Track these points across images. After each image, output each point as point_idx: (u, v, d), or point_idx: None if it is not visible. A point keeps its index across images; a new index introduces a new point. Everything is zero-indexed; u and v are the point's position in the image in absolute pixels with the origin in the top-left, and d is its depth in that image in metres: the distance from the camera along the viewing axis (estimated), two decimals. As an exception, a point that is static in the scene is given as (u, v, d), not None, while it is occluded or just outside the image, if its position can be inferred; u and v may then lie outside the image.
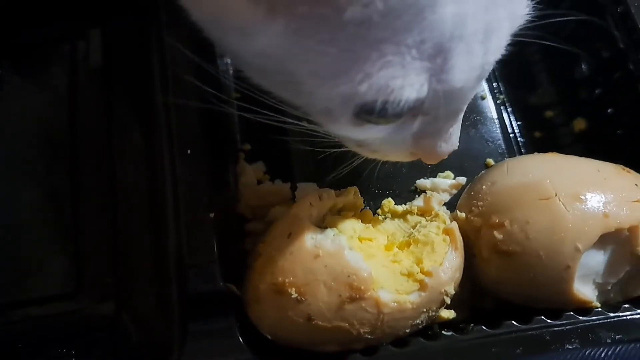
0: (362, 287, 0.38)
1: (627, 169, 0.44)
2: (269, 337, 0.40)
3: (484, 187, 0.44)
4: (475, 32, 0.32)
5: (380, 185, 0.51)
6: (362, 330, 0.38)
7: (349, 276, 0.38)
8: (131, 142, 0.51)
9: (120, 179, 0.50)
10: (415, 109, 0.34)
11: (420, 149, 0.38)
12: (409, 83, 0.31)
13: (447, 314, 0.43)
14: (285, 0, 0.30)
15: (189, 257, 0.41)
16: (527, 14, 0.36)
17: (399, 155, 0.40)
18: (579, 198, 0.40)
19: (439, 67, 0.31)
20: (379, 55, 0.30)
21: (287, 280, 0.38)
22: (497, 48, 0.34)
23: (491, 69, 0.35)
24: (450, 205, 0.49)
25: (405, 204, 0.48)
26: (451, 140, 0.39)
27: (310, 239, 0.40)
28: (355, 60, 0.30)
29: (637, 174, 0.43)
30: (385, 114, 0.32)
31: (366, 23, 0.29)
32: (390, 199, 0.49)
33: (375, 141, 0.38)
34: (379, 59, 0.30)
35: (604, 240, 0.40)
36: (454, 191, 0.50)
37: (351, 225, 0.42)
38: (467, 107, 0.55)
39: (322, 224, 0.43)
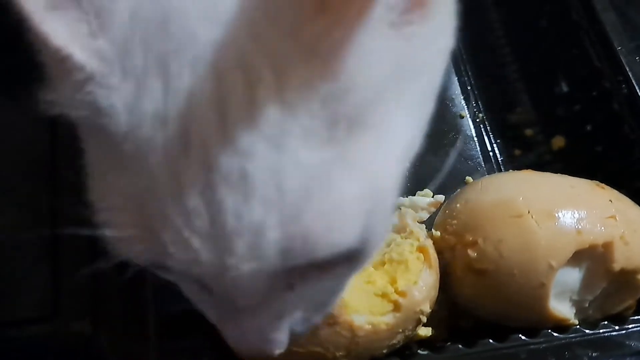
0: (335, 314, 0.37)
1: (602, 184, 0.44)
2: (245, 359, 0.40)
3: (458, 205, 0.44)
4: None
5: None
6: (337, 354, 0.38)
7: None
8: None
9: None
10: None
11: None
12: (123, 246, 0.26)
13: (425, 331, 0.42)
14: None
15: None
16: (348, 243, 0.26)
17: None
18: (552, 215, 0.40)
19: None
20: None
21: None
22: (255, 255, 0.24)
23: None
24: (430, 225, 0.49)
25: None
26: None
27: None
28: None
29: (611, 190, 0.43)
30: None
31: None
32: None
33: None
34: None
35: (579, 257, 0.40)
36: (433, 209, 0.50)
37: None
38: (446, 126, 0.56)
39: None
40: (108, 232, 0.26)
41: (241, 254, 0.23)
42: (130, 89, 0.23)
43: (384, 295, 0.39)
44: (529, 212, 0.40)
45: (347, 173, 0.24)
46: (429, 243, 0.42)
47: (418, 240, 0.42)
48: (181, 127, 0.23)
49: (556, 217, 0.39)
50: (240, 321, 0.28)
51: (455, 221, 0.43)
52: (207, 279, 0.25)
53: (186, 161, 0.23)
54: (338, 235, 0.24)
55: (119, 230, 0.25)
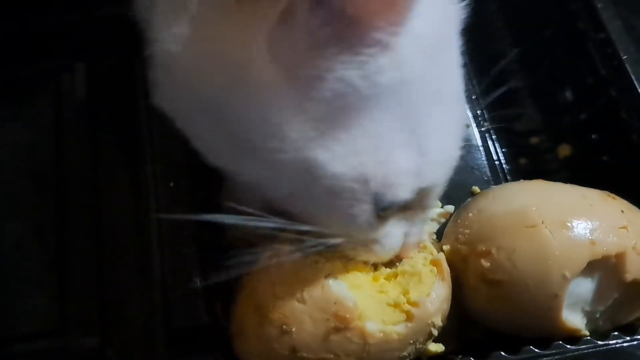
0: (347, 316, 0.37)
1: (613, 195, 0.43)
2: None
3: (470, 214, 0.43)
4: (446, 129, 0.34)
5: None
6: None
7: (334, 304, 0.38)
8: (117, 176, 0.51)
9: (105, 213, 0.49)
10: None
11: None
12: (402, 183, 0.33)
13: (436, 347, 0.42)
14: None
15: (173, 291, 0.40)
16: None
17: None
18: (566, 225, 0.39)
19: (422, 167, 0.33)
20: (378, 150, 0.32)
21: (270, 311, 0.38)
22: (459, 142, 0.37)
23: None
24: (440, 235, 0.48)
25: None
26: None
27: (295, 269, 0.39)
28: (358, 151, 0.32)
29: (622, 201, 0.43)
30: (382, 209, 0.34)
31: (371, 118, 0.31)
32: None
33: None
34: (379, 155, 0.32)
35: (592, 268, 0.39)
36: (443, 220, 0.50)
37: (338, 256, 0.42)
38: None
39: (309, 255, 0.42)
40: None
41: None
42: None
43: (396, 305, 0.39)
44: (542, 222, 0.39)
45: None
46: (442, 256, 0.42)
47: (431, 254, 0.42)
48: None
49: (570, 228, 0.39)
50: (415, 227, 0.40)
51: (467, 230, 0.42)
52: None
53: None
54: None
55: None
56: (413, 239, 0.40)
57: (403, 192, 0.34)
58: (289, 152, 0.32)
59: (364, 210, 0.34)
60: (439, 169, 0.36)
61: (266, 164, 0.33)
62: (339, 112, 0.31)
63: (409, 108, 0.32)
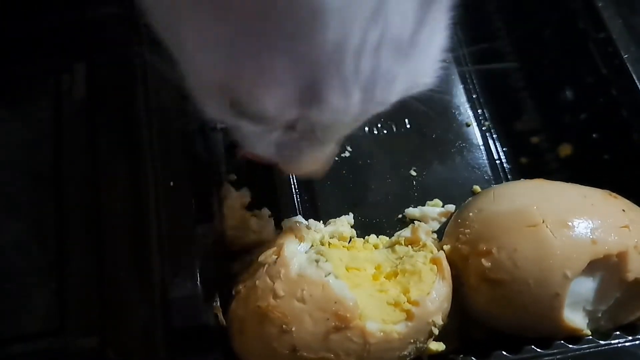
0: (348, 316, 0.37)
1: (614, 194, 0.43)
2: None
3: (470, 214, 0.43)
4: (356, 72, 0.29)
5: (368, 214, 0.51)
6: None
7: (335, 303, 0.37)
8: (116, 175, 0.50)
9: (105, 213, 0.49)
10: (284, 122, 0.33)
11: (280, 157, 0.36)
12: (274, 100, 0.30)
13: (436, 346, 0.42)
14: None
15: (173, 291, 0.40)
16: (430, 83, 0.33)
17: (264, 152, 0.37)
18: (567, 225, 0.39)
19: (310, 97, 0.30)
20: (258, 59, 0.29)
21: (270, 310, 0.38)
22: (382, 101, 0.32)
23: (371, 116, 0.33)
24: (441, 234, 0.48)
25: (394, 235, 0.48)
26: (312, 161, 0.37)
27: (295, 267, 0.39)
28: (236, 52, 0.29)
29: (624, 200, 0.43)
30: (244, 114, 0.31)
31: (255, 22, 0.28)
32: (373, 235, 0.48)
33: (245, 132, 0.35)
34: (256, 63, 0.29)
35: (593, 267, 0.39)
36: (443, 219, 0.50)
37: (338, 255, 0.42)
38: (452, 134, 0.56)
39: (309, 253, 0.42)
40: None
41: (379, 101, 0.31)
42: None
43: (396, 304, 0.39)
44: (543, 222, 0.39)
45: None
46: (442, 255, 0.42)
47: (432, 252, 0.42)
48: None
49: (571, 227, 0.39)
50: (303, 153, 0.35)
51: (468, 230, 0.42)
52: (318, 121, 0.32)
53: (375, 25, 0.28)
54: None
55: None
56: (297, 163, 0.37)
57: (271, 111, 0.30)
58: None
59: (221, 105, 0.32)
60: (323, 113, 0.31)
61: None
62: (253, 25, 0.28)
63: (330, 43, 0.28)
